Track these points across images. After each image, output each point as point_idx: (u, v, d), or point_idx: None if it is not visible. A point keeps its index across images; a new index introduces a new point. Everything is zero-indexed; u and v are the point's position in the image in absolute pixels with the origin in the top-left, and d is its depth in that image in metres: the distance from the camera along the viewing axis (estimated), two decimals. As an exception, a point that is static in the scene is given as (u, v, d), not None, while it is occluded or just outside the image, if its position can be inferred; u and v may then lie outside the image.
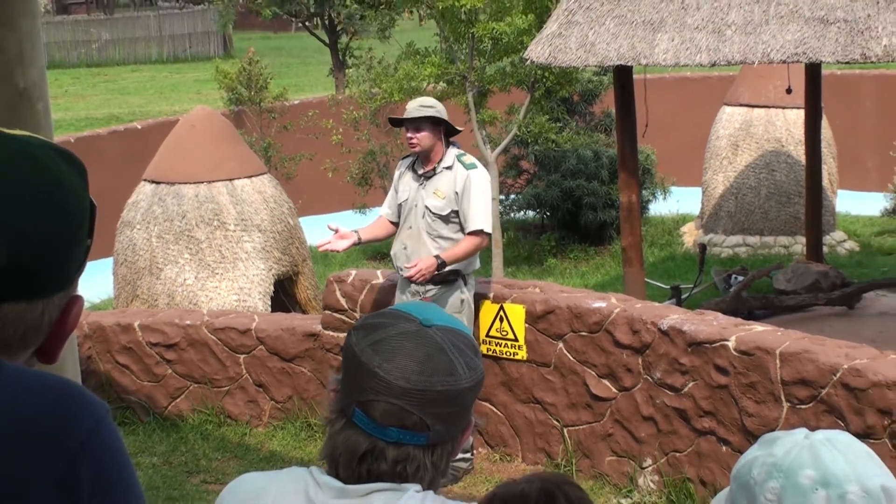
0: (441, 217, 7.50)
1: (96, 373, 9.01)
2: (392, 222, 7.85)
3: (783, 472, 1.97)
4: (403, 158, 7.94)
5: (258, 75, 18.36)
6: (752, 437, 6.63)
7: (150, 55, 46.02)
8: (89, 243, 1.70)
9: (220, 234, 11.33)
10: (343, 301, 8.44)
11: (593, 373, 7.50)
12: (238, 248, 11.35)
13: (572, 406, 7.64)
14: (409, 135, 7.53)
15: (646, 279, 11.57)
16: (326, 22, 26.38)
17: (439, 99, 15.32)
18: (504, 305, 7.76)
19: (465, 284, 7.59)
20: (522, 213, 18.09)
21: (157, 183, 11.64)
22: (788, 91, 12.07)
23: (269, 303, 11.35)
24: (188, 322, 8.95)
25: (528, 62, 11.23)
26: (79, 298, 1.71)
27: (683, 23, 9.96)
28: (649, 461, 7.32)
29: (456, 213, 7.49)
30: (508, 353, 7.81)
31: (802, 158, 13.50)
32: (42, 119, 4.79)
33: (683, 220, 17.93)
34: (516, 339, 7.74)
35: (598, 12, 10.39)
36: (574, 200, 16.68)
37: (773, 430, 6.42)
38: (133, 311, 10.00)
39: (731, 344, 6.78)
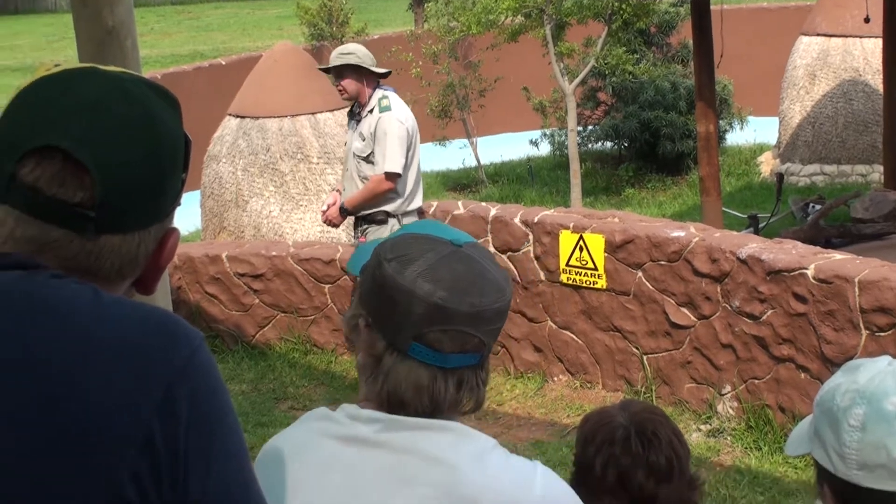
0: (363, 158, 7.67)
1: (186, 302, 9.24)
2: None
3: (867, 399, 1.95)
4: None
5: (339, 11, 18.46)
6: (830, 365, 6.71)
7: (233, -9, 46.12)
8: (184, 177, 1.72)
9: (304, 167, 11.52)
10: (425, 232, 8.57)
11: (672, 301, 7.58)
12: (321, 181, 11.52)
13: (652, 334, 7.73)
14: (334, 82, 7.73)
15: (723, 208, 11.61)
16: (405, -45, 26.38)
17: (517, 31, 15.47)
18: (584, 235, 7.85)
19: (399, 223, 7.68)
20: (600, 144, 18.12)
21: (242, 117, 11.82)
22: (867, 20, 11.99)
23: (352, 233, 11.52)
24: (274, 253, 9.14)
25: (607, -6, 11.25)
26: (174, 231, 1.72)
27: (763, -48, 9.93)
28: (728, 388, 7.40)
29: (373, 154, 7.65)
30: (588, 282, 7.91)
31: (880, 87, 13.37)
32: (130, 56, 4.90)
33: (760, 149, 17.84)
34: (596, 269, 7.84)
35: (677, -57, 10.38)
36: (652, 131, 16.68)
37: (851, 357, 6.50)
38: (220, 242, 10.22)
39: (809, 272, 6.82)
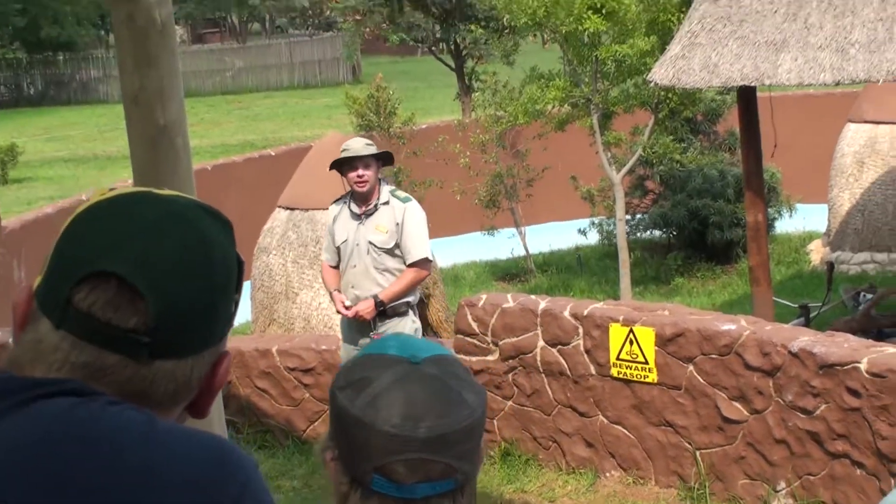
0: (386, 251, 7.63)
1: (237, 397, 9.26)
2: (332, 266, 7.93)
3: None
4: (334, 203, 7.97)
5: (386, 101, 18.62)
6: (886, 461, 6.63)
7: (282, 81, 46.79)
8: (237, 299, 1.72)
9: (354, 260, 11.55)
10: (474, 325, 8.59)
11: (724, 395, 7.53)
12: (371, 274, 11.55)
13: (704, 429, 7.67)
14: (360, 173, 7.56)
15: (774, 298, 11.54)
16: (452, 47, 26.62)
17: (564, 121, 15.55)
18: (634, 329, 7.82)
19: (415, 313, 7.77)
20: (648, 232, 18.10)
21: (292, 209, 11.91)
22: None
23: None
24: (324, 347, 9.16)
25: (652, 84, 11.30)
26: (227, 354, 1.72)
27: (807, 42, 9.97)
28: (783, 484, 7.33)
29: (398, 245, 7.62)
30: (639, 376, 7.87)
31: (930, 174, 13.34)
32: (182, 153, 4.95)
33: (810, 237, 17.78)
34: (646, 362, 7.81)
35: (720, 34, 10.44)
36: (700, 219, 16.66)
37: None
38: (270, 336, 10.26)
39: (862, 366, 6.77)
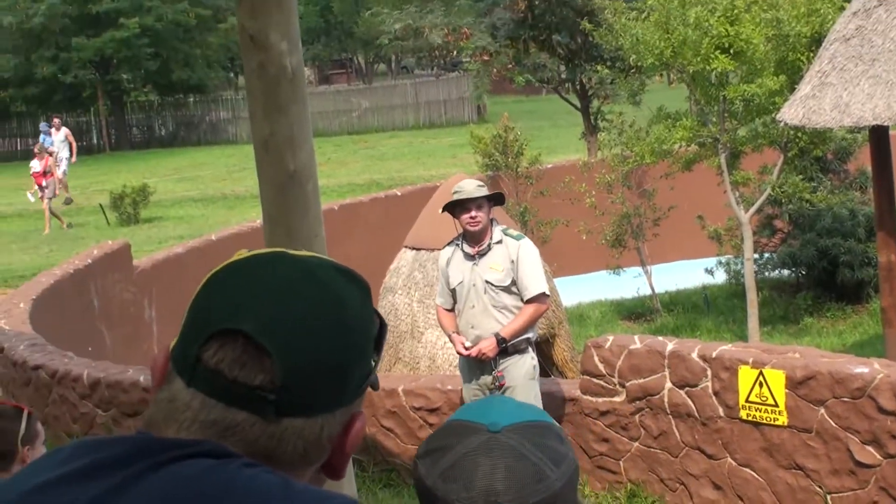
0: (503, 288, 7.72)
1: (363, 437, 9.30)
2: (447, 310, 8.05)
3: None
4: (446, 246, 8.11)
5: (514, 142, 18.67)
6: None
7: (407, 121, 47.22)
8: (376, 359, 1.70)
9: (479, 300, 11.58)
10: (601, 366, 8.55)
11: (857, 439, 7.39)
12: (496, 313, 11.56)
13: (835, 473, 7.54)
14: (472, 214, 7.69)
15: (908, 340, 11.32)
16: (578, 87, 26.62)
17: (691, 160, 15.46)
18: (763, 371, 7.73)
19: (534, 350, 7.85)
20: (777, 272, 17.88)
21: (418, 249, 11.98)
22: None
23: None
24: (450, 387, 9.18)
25: (782, 124, 11.20)
26: (360, 415, 1.69)
27: (942, 81, 9.81)
28: (916, 530, 7.17)
29: (514, 283, 7.69)
30: (769, 419, 7.77)
31: None
32: (311, 199, 5.02)
33: (946, 277, 17.41)
34: (776, 405, 7.70)
35: (852, 73, 10.32)
36: (830, 259, 16.42)
37: None
38: (396, 375, 10.31)
39: None
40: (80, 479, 1.57)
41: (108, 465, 1.57)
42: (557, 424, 1.81)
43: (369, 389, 1.72)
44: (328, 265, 1.70)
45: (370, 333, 1.70)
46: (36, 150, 28.37)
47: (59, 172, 30.16)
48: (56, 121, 33.39)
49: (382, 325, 1.72)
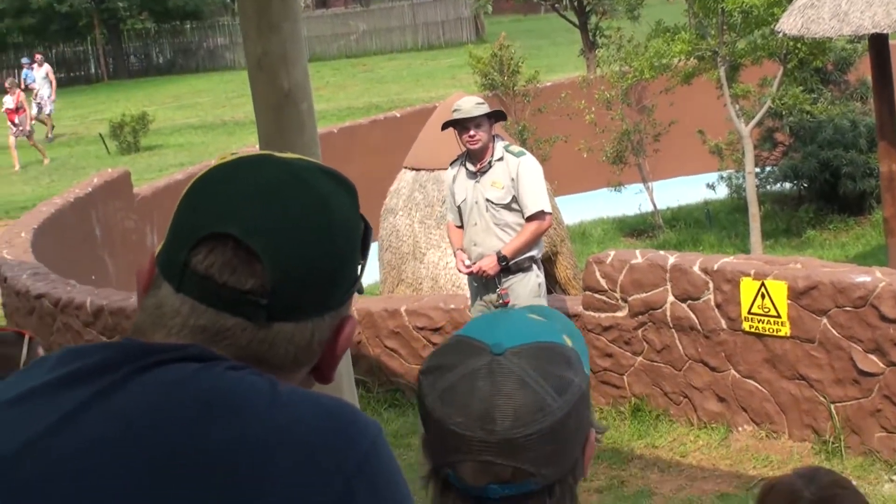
0: (503, 206, 7.72)
1: (367, 357, 9.34)
2: (457, 226, 8.06)
3: None
4: (452, 163, 8.10)
5: (509, 60, 18.56)
6: None
7: (406, 43, 46.97)
8: (363, 263, 1.69)
9: (480, 218, 11.56)
10: (603, 282, 8.55)
11: (860, 348, 7.40)
12: (498, 231, 11.55)
13: (839, 382, 7.56)
14: (471, 133, 7.68)
15: (910, 249, 11.31)
16: (576, 3, 26.44)
17: (690, 74, 15.37)
18: (765, 282, 7.72)
19: (539, 268, 7.82)
20: (779, 185, 17.83)
21: (418, 170, 11.93)
22: None
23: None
24: (452, 306, 9.19)
25: (781, 34, 11.11)
26: (351, 318, 1.69)
27: (943, -13, 9.71)
28: (920, 436, 7.20)
29: (515, 199, 7.68)
30: (771, 330, 7.77)
31: None
32: (306, 118, 4.99)
33: (948, 186, 17.37)
34: (779, 316, 7.70)
35: (852, -19, 10.21)
36: (832, 171, 16.37)
37: None
38: (399, 296, 10.32)
39: None
40: (65, 385, 1.56)
41: (94, 371, 1.56)
42: (569, 345, 1.74)
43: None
44: (314, 167, 1.68)
45: (357, 236, 1.68)
46: (7, 85, 28.08)
47: (41, 111, 29.90)
48: (38, 56, 33.05)
49: (367, 229, 1.70)
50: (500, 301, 7.75)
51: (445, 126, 7.99)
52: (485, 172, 7.78)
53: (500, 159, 7.75)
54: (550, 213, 7.79)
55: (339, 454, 1.53)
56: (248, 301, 1.57)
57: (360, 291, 1.72)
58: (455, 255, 8.07)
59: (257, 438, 1.50)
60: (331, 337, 1.66)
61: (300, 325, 1.61)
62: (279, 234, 1.58)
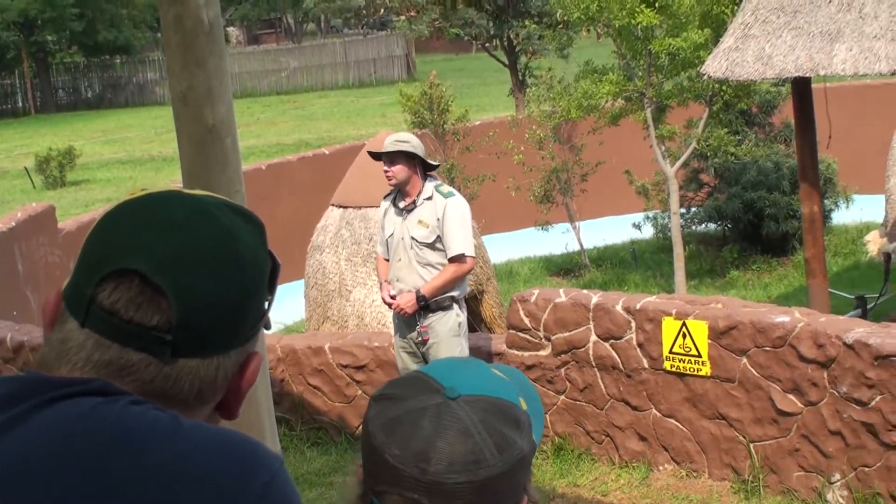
0: (427, 245, 7.79)
1: (289, 394, 9.30)
2: (386, 259, 8.14)
3: None
4: (385, 197, 8.16)
5: (439, 98, 18.62)
6: (942, 451, 6.56)
7: (337, 81, 47.07)
8: (270, 300, 1.70)
9: (406, 257, 11.57)
10: (527, 320, 8.57)
11: (778, 387, 7.48)
12: (424, 270, 11.56)
13: (758, 421, 7.62)
14: (385, 168, 7.82)
15: (830, 289, 11.45)
16: (506, 43, 26.61)
17: (617, 115, 15.49)
18: (686, 322, 7.79)
19: (460, 307, 7.88)
20: (703, 225, 17.98)
21: (345, 207, 11.93)
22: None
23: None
24: (377, 344, 9.18)
25: (706, 77, 11.23)
26: (256, 355, 1.70)
27: (862, 32, 9.87)
28: (838, 476, 7.27)
29: (440, 239, 7.76)
30: (692, 370, 7.83)
31: None
32: (230, 153, 4.98)
33: (867, 228, 17.51)
34: (700, 356, 7.77)
35: (774, 25, 10.36)
36: (755, 212, 16.53)
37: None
38: (323, 333, 10.29)
39: (917, 357, 6.70)
40: None
41: None
42: (524, 410, 1.74)
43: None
44: (222, 204, 1.68)
45: (265, 272, 1.69)
46: None
47: None
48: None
49: (276, 265, 1.71)
50: (420, 338, 7.79)
51: (373, 157, 8.20)
52: (411, 210, 7.83)
53: (430, 198, 7.80)
54: (473, 257, 7.83)
55: (241, 484, 1.54)
56: (153, 337, 1.57)
57: (268, 328, 1.74)
58: (381, 286, 8.12)
59: (159, 470, 1.51)
60: (236, 373, 1.67)
61: (205, 361, 1.61)
62: (186, 270, 1.58)
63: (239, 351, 1.66)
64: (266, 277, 1.69)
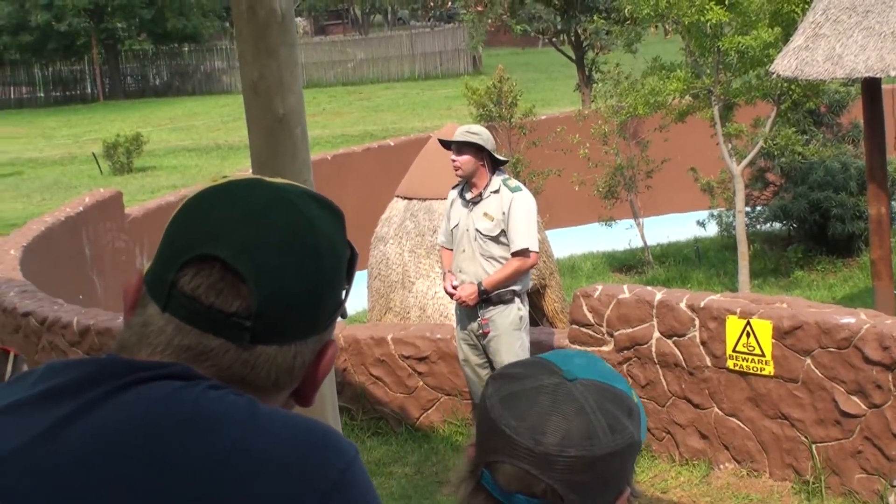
0: (491, 238, 7.82)
1: (352, 384, 9.34)
2: (449, 249, 8.17)
3: None
4: (453, 188, 8.21)
5: (508, 93, 18.63)
6: None
7: (403, 73, 47.12)
8: (347, 288, 1.71)
9: (470, 249, 11.58)
10: (590, 316, 8.57)
11: (842, 389, 7.43)
12: (487, 263, 11.56)
13: (820, 422, 7.58)
14: (452, 157, 7.89)
15: (896, 292, 11.36)
16: (573, 38, 26.54)
17: (684, 112, 15.43)
18: (751, 321, 7.75)
19: (522, 301, 7.88)
20: (769, 225, 17.87)
21: (409, 199, 11.96)
22: None
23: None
24: (439, 336, 9.21)
25: (775, 76, 11.17)
26: (332, 343, 1.71)
27: (935, 33, 9.78)
28: (900, 479, 7.22)
29: (504, 233, 7.77)
30: (755, 369, 7.80)
31: None
32: (300, 143, 5.02)
33: (936, 231, 17.41)
34: (763, 355, 7.73)
35: (845, 24, 10.28)
36: (821, 212, 16.41)
37: None
38: (386, 324, 10.33)
39: (984, 361, 6.64)
40: (45, 401, 1.58)
41: (74, 387, 1.58)
42: (636, 402, 1.81)
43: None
44: (303, 192, 1.69)
45: (343, 261, 1.70)
46: None
47: None
48: None
49: (353, 254, 1.73)
50: (481, 331, 7.83)
51: (443, 145, 8.30)
52: (478, 202, 7.87)
53: (496, 191, 7.83)
54: (536, 252, 7.85)
55: (316, 473, 1.55)
56: (232, 323, 1.59)
57: (344, 316, 1.75)
58: (443, 276, 8.16)
59: (236, 456, 1.52)
60: (313, 361, 1.68)
61: (283, 347, 1.62)
62: (266, 257, 1.60)
63: (316, 339, 1.67)
64: (344, 266, 1.70)
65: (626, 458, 1.74)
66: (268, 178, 1.71)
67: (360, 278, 12.31)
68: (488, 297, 7.76)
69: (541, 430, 1.69)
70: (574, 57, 26.68)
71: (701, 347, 8.03)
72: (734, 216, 15.57)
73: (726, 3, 13.83)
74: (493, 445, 1.72)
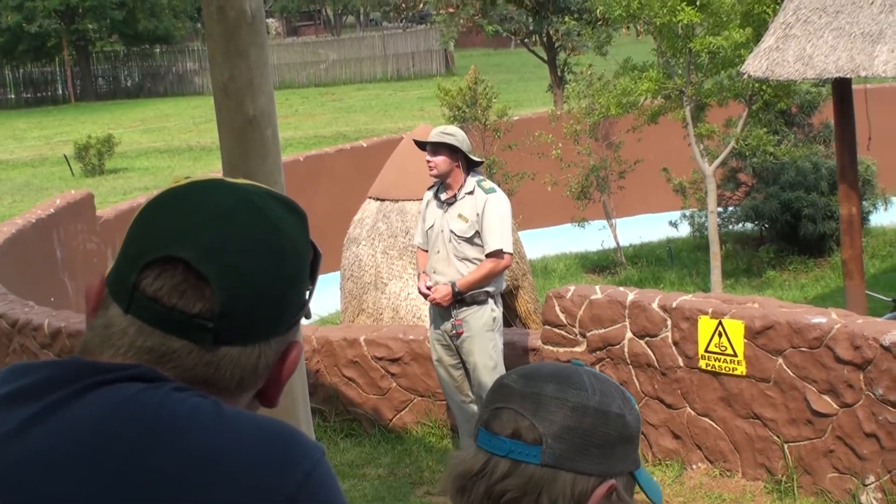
0: (465, 239, 7.82)
1: (324, 386, 9.33)
2: (424, 250, 8.16)
3: None
4: (429, 188, 8.19)
5: (482, 94, 18.61)
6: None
7: (375, 74, 47.12)
8: (311, 289, 1.71)
9: (442, 251, 11.57)
10: (562, 316, 8.58)
11: (814, 388, 7.46)
12: (459, 264, 11.55)
13: (792, 422, 7.60)
14: (427, 158, 7.87)
15: (867, 291, 11.41)
16: (545, 39, 26.57)
17: (656, 113, 15.46)
18: (723, 321, 7.77)
19: (496, 302, 7.89)
20: (741, 225, 17.93)
21: (382, 200, 11.95)
22: None
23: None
24: (412, 337, 9.20)
25: (746, 76, 11.20)
26: (297, 344, 1.71)
27: (904, 34, 9.82)
28: (872, 478, 7.24)
29: (479, 234, 7.78)
30: (727, 369, 7.82)
31: None
32: (271, 144, 5.00)
33: (905, 230, 17.51)
34: (735, 355, 7.75)
35: (815, 25, 10.32)
36: (793, 212, 16.47)
37: None
38: (358, 326, 10.32)
39: (955, 360, 6.67)
40: (8, 404, 1.57)
41: (38, 389, 1.57)
42: (634, 405, 1.89)
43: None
44: (265, 193, 1.69)
45: (306, 262, 1.70)
46: None
47: None
48: None
49: (317, 255, 1.72)
50: (454, 331, 7.82)
51: (418, 145, 8.25)
52: (452, 203, 7.86)
53: (471, 193, 7.83)
54: (510, 253, 7.85)
55: (281, 476, 1.55)
56: (195, 324, 1.58)
57: (308, 317, 1.74)
58: (418, 277, 8.16)
59: (200, 458, 1.52)
60: (277, 361, 1.67)
61: (246, 348, 1.62)
62: (229, 258, 1.59)
63: (280, 339, 1.67)
64: (307, 267, 1.70)
65: (611, 429, 1.80)
66: (230, 180, 1.71)
67: (333, 280, 12.29)
68: (462, 298, 7.76)
69: (535, 375, 1.83)
70: (546, 58, 26.71)
71: (673, 348, 8.05)
72: (706, 216, 15.61)
73: (697, 3, 13.87)
74: (495, 397, 1.84)
